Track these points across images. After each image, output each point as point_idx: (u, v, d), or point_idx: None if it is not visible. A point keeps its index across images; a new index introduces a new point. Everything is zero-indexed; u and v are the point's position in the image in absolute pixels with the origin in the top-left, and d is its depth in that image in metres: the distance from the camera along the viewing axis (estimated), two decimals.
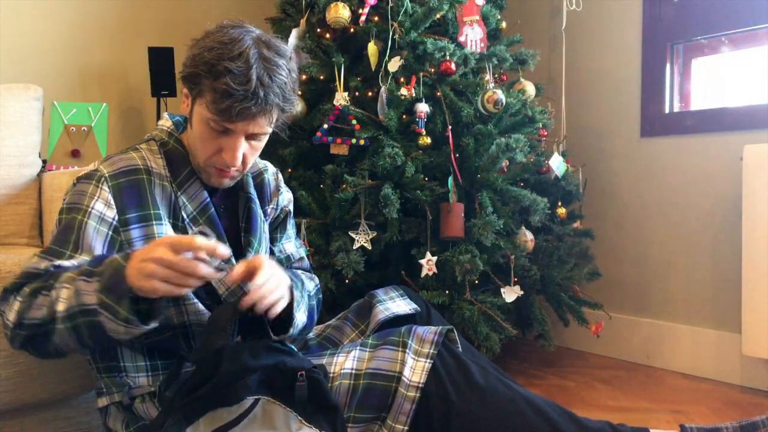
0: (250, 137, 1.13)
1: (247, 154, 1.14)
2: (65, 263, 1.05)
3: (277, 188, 1.34)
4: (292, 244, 1.38)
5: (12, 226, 1.81)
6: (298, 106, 2.06)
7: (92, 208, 1.09)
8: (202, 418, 0.95)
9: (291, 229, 1.39)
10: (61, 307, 0.96)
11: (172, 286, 0.90)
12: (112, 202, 1.11)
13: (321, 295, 1.39)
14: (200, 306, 1.14)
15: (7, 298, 1.06)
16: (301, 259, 1.39)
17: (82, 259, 1.06)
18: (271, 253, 1.32)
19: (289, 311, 1.12)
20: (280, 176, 1.37)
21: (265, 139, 1.17)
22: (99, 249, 1.08)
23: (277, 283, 1.05)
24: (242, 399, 0.96)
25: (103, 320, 0.93)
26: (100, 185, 1.11)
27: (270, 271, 1.03)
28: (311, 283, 1.32)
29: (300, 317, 1.16)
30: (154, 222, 1.13)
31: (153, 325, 0.96)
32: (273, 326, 1.10)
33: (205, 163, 1.15)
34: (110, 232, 1.10)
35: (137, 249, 0.99)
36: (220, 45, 1.05)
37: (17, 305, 1.02)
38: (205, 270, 0.91)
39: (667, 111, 2.38)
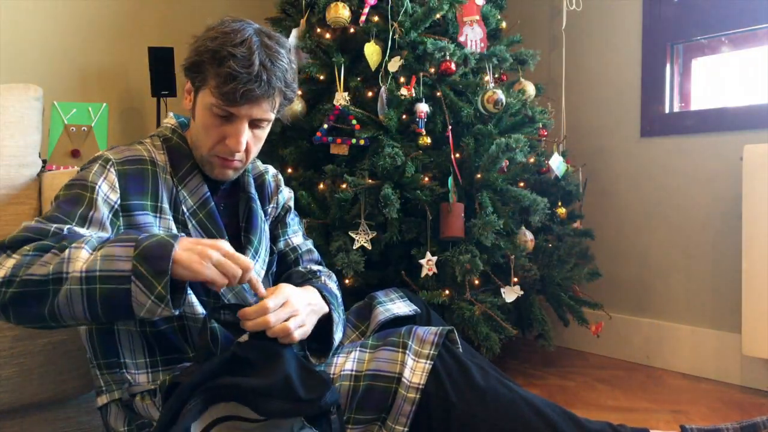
0: (254, 124, 1.15)
1: (251, 142, 1.16)
2: (79, 229, 1.02)
3: (277, 188, 1.36)
4: (299, 237, 1.39)
5: (12, 226, 1.81)
6: (298, 105, 2.06)
7: (99, 187, 1.09)
8: (222, 404, 0.95)
9: (296, 225, 1.40)
10: (78, 265, 0.91)
11: (220, 275, 0.94)
12: (117, 185, 1.11)
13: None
14: (192, 298, 1.15)
15: None
16: (310, 251, 1.39)
17: (94, 231, 1.04)
18: (272, 252, 1.32)
19: (328, 335, 1.13)
20: (280, 177, 1.40)
21: (267, 127, 1.19)
22: (107, 227, 1.07)
23: (289, 313, 1.03)
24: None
25: (134, 290, 0.90)
26: (108, 167, 1.12)
27: (280, 300, 1.03)
28: (334, 285, 1.32)
29: (338, 337, 1.16)
30: (150, 213, 1.14)
31: (177, 311, 0.95)
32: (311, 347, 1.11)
33: (209, 152, 1.16)
34: (111, 215, 1.10)
35: (170, 233, 0.99)
36: (222, 35, 1.09)
37: (11, 261, 0.94)
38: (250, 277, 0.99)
39: (667, 111, 2.38)
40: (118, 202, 1.11)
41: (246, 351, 0.97)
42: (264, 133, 1.19)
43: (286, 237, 1.36)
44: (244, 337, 1.01)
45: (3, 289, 0.92)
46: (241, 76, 1.06)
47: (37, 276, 0.92)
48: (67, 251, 0.93)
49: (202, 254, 0.94)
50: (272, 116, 1.16)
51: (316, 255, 1.40)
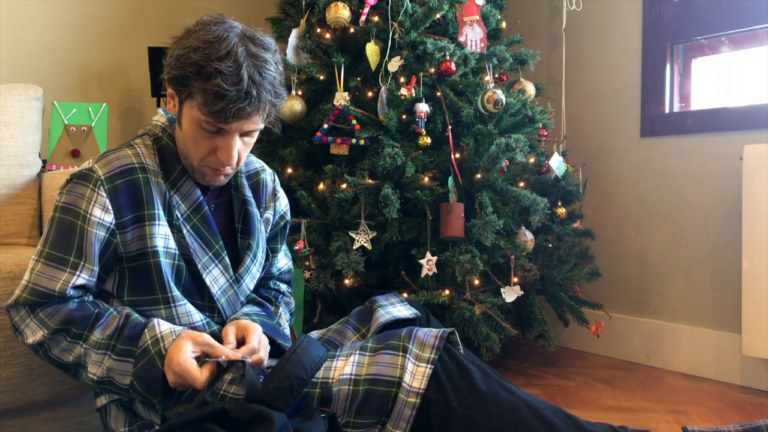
0: (244, 134, 1.12)
1: (241, 150, 1.14)
2: (79, 281, 1.09)
3: (274, 192, 1.34)
4: (282, 254, 1.40)
5: (12, 226, 1.81)
6: (298, 105, 2.06)
7: (90, 214, 1.09)
8: None
9: (285, 241, 1.41)
10: (92, 369, 1.07)
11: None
12: (110, 205, 1.10)
13: (292, 315, 1.43)
14: (189, 307, 1.15)
15: (18, 310, 1.10)
16: (289, 271, 1.42)
17: (90, 271, 1.10)
18: (266, 259, 1.32)
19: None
20: (277, 179, 1.37)
21: (257, 134, 1.16)
22: (97, 255, 1.10)
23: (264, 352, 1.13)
24: None
25: (134, 396, 1.07)
26: (97, 189, 1.10)
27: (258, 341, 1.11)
28: (287, 315, 1.36)
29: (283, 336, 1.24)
30: (147, 222, 1.13)
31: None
32: None
33: (199, 164, 1.14)
34: (107, 236, 1.10)
35: (168, 341, 1.05)
36: (205, 44, 1.03)
37: (39, 333, 1.08)
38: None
39: (667, 111, 2.38)
40: (114, 221, 1.11)
41: (238, 412, 0.98)
42: (254, 139, 1.16)
43: (277, 254, 1.37)
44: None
45: (38, 347, 1.10)
46: (230, 95, 1.01)
47: (63, 361, 1.10)
48: (81, 348, 1.07)
49: (176, 382, 1.03)
50: (262, 126, 1.13)
51: (290, 276, 1.43)
